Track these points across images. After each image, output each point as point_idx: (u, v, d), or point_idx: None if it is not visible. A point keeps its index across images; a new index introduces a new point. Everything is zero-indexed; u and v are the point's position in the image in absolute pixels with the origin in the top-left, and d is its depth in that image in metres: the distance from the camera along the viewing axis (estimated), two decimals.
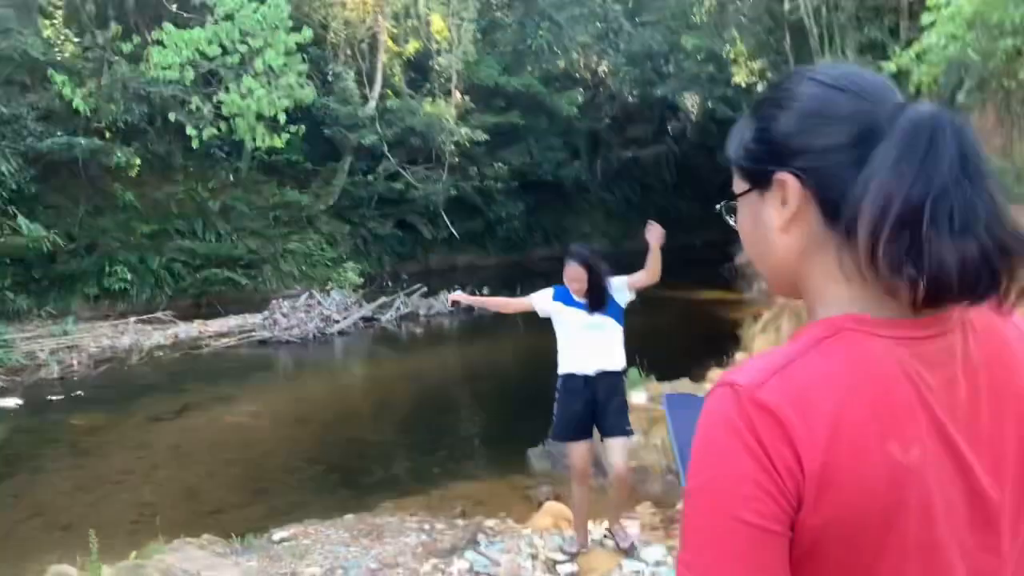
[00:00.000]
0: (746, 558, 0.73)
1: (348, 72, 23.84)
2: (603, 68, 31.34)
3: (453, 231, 25.85)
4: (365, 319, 16.63)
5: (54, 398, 11.48)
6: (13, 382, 11.88)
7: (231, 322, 16.55)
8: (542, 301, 4.80)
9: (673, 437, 1.15)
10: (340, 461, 8.48)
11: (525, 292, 17.96)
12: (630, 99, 30.54)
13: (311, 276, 21.89)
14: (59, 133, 17.57)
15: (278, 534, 5.45)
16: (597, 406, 4.68)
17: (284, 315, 15.81)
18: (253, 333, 15.56)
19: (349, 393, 12.08)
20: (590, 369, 4.64)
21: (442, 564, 4.68)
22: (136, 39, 18.03)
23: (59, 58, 18.27)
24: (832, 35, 21.79)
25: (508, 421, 9.55)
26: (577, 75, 30.88)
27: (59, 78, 17.11)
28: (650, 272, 4.57)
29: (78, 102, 17.30)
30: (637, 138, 31.18)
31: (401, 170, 24.90)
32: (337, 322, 16.10)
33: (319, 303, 16.81)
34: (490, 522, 5.57)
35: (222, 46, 16.81)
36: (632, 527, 5.42)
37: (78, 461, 8.67)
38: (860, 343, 0.79)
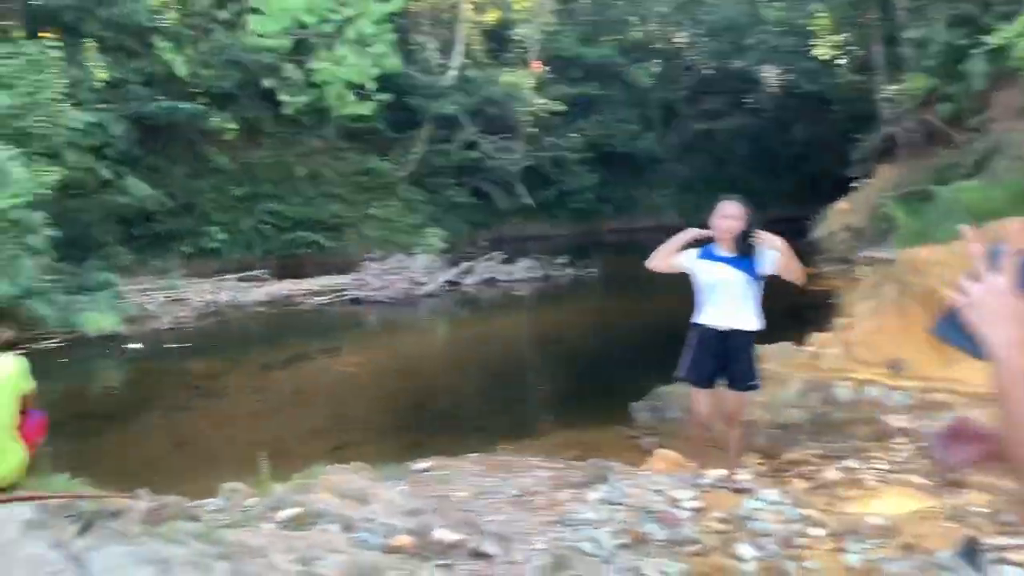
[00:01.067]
0: None
1: (430, 42, 24.25)
2: (681, 39, 31.16)
3: (528, 200, 26.19)
4: (449, 282, 17.16)
5: (169, 346, 12.26)
6: (132, 330, 12.69)
7: (322, 281, 17.19)
8: (687, 257, 4.97)
9: (965, 342, 1.31)
10: (448, 409, 8.97)
11: (595, 263, 18.32)
12: (707, 71, 30.34)
13: (392, 241, 22.48)
14: (161, 97, 18.38)
15: (417, 465, 5.91)
16: (727, 359, 4.95)
17: (375, 276, 16.43)
18: (344, 292, 16.21)
19: (444, 349, 12.61)
20: (724, 325, 4.89)
21: (578, 494, 5.08)
22: (233, 7, 18.69)
23: (162, 24, 19.03)
24: (922, 7, 21.36)
25: (602, 378, 9.93)
26: (654, 46, 30.78)
27: (162, 44, 17.88)
28: (790, 275, 4.77)
29: (179, 67, 18.06)
30: (712, 110, 30.97)
31: (478, 139, 25.29)
32: (423, 284, 16.66)
33: (406, 266, 17.40)
34: (610, 463, 5.93)
35: (318, 15, 17.30)
36: (743, 475, 5.77)
37: (205, 402, 9.34)
38: None
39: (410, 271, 17.31)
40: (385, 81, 20.39)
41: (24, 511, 3.97)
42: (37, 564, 3.38)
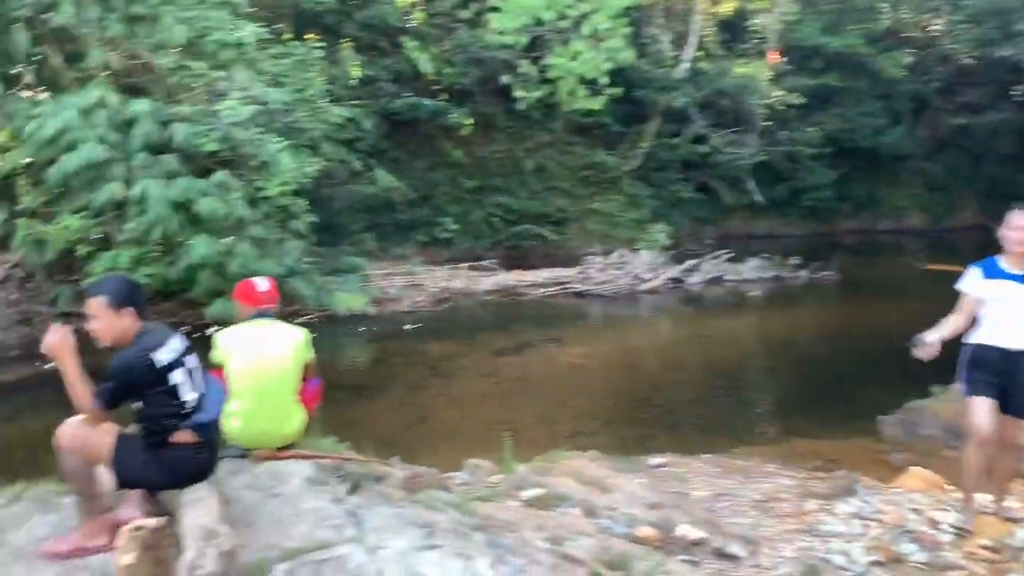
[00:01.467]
0: None
1: (663, 34, 24.00)
2: (937, 26, 28.67)
3: (758, 197, 25.27)
4: (673, 280, 16.94)
5: (408, 327, 13.06)
6: (375, 311, 13.66)
7: (545, 274, 17.54)
8: (973, 287, 4.55)
9: None
10: (674, 407, 8.88)
11: (832, 265, 17.10)
12: (966, 60, 27.67)
13: (613, 236, 22.51)
14: (407, 94, 19.57)
15: (652, 460, 5.90)
16: (1010, 382, 4.49)
17: (598, 270, 16.57)
18: (567, 285, 16.46)
19: (669, 347, 12.46)
20: (1012, 344, 4.43)
21: (826, 505, 4.85)
22: (475, 5, 19.51)
23: (410, 25, 20.25)
24: None
25: (842, 387, 9.41)
26: (905, 34, 28.56)
27: (410, 43, 19.00)
28: None
29: (424, 65, 19.12)
30: (970, 103, 28.20)
31: (708, 133, 24.72)
32: (646, 280, 16.57)
33: (629, 262, 17.38)
34: (857, 477, 5.60)
35: (556, 11, 17.65)
36: (1012, 502, 5.24)
37: (441, 381, 9.87)
38: None
39: (633, 267, 17.27)
40: (616, 75, 20.43)
41: (305, 468, 4.39)
42: (320, 516, 3.72)
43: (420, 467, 5.35)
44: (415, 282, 16.34)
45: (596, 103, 19.16)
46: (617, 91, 19.11)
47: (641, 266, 17.21)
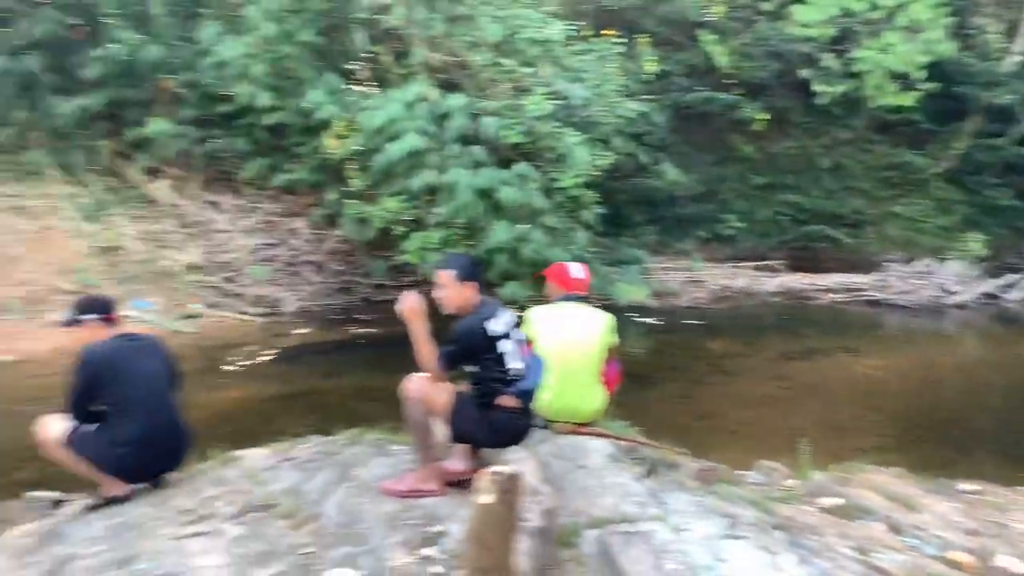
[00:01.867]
0: None
1: (992, 24, 21.60)
2: None
3: None
4: (986, 295, 15.31)
5: (687, 322, 13.03)
6: (655, 304, 13.79)
7: (837, 278, 16.62)
8: None
9: None
10: (980, 431, 8.11)
11: None
12: None
13: (917, 243, 20.72)
14: (699, 88, 19.39)
15: (962, 485, 5.45)
16: None
17: (898, 279, 15.40)
18: (862, 292, 15.48)
19: (978, 366, 11.32)
20: None
21: None
22: None
23: (708, 18, 20.02)
24: None
25: None
26: None
27: (707, 37, 18.77)
28: None
29: (720, 59, 18.81)
30: None
31: None
32: (953, 294, 15.13)
33: (934, 272, 15.98)
34: None
35: (868, 1, 16.56)
36: None
37: (724, 379, 9.77)
38: None
39: (938, 277, 15.85)
40: (931, 68, 18.73)
41: (603, 446, 4.62)
42: (624, 491, 3.91)
43: (710, 462, 5.40)
44: (695, 278, 16.22)
45: (907, 99, 17.71)
46: (933, 86, 17.51)
47: (949, 277, 15.75)
